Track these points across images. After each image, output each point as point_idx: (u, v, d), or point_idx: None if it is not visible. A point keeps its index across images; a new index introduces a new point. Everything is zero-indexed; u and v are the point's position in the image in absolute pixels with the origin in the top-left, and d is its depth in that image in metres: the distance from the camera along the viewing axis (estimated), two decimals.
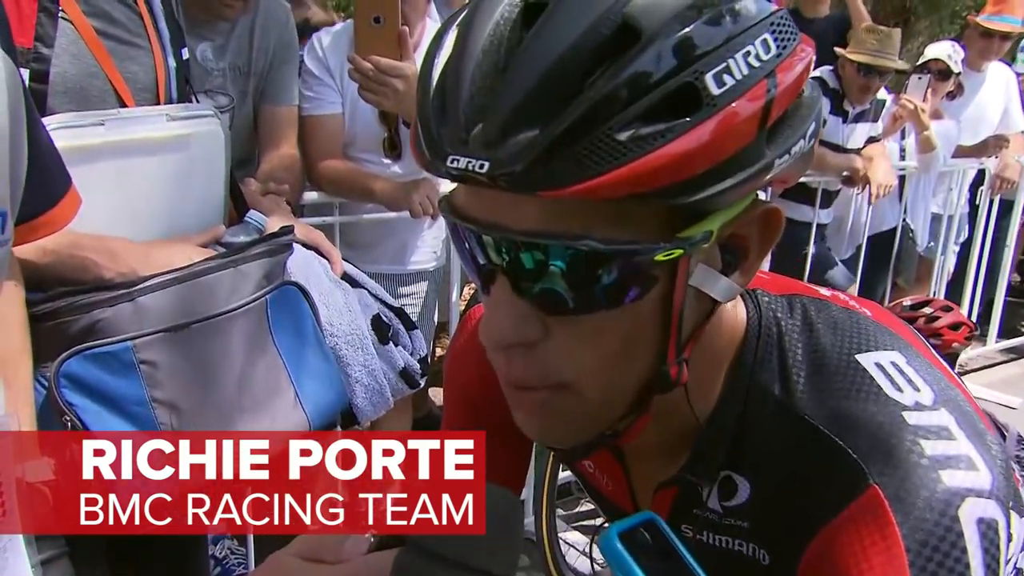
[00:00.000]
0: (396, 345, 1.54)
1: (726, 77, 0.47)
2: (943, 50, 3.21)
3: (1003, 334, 3.98)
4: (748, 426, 0.61)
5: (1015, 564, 0.62)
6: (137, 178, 1.23)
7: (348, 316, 1.45)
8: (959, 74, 3.26)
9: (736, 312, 0.62)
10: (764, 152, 0.49)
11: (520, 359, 0.54)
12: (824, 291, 0.67)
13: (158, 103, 1.30)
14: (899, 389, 0.57)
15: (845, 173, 2.95)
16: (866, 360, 0.59)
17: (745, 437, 0.61)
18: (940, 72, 3.17)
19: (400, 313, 1.59)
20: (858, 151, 2.98)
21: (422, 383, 1.63)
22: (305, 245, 1.46)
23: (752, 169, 0.49)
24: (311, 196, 1.96)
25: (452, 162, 0.48)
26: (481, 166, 0.46)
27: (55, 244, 1.10)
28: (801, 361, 0.60)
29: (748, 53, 0.48)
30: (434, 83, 0.51)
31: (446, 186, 1.65)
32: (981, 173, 3.53)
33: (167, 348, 1.15)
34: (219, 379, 1.20)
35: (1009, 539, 0.53)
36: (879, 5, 4.80)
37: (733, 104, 0.47)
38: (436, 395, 3.02)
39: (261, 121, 1.87)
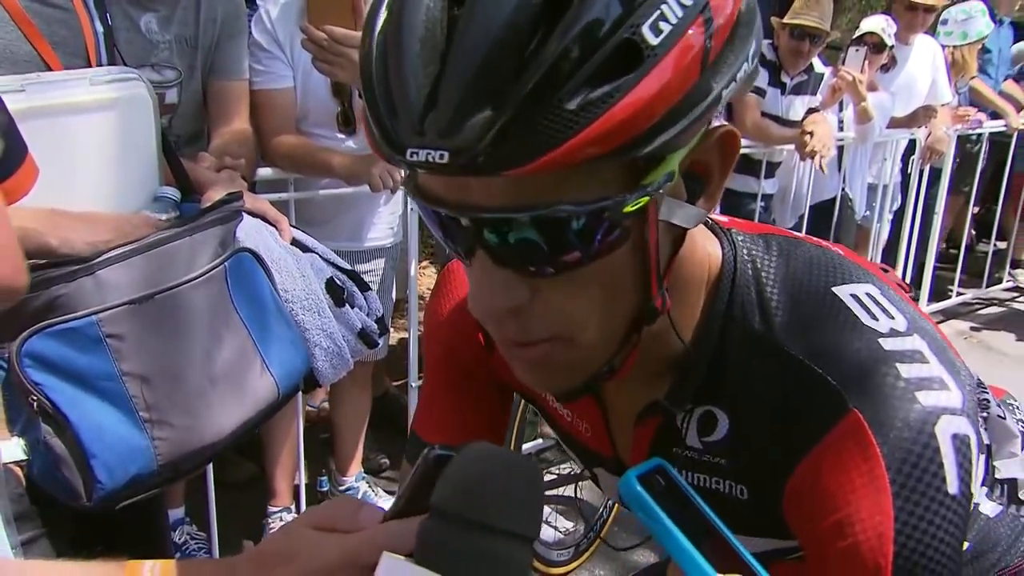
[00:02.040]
0: (352, 307, 1.54)
1: (662, 24, 0.47)
2: (877, 23, 3.32)
3: (933, 297, 4.17)
4: (727, 359, 0.63)
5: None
6: (64, 145, 1.19)
7: (302, 281, 1.44)
8: (892, 47, 3.37)
9: (708, 242, 0.64)
10: (711, 86, 0.50)
11: (512, 321, 0.55)
12: (796, 233, 0.70)
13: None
14: (874, 318, 0.60)
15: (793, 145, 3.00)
16: (842, 292, 0.61)
17: (725, 370, 0.63)
18: (875, 45, 3.27)
19: (353, 275, 1.58)
20: (799, 123, 3.06)
21: (380, 342, 1.63)
22: (252, 214, 1.44)
23: (702, 106, 0.49)
24: (265, 172, 1.92)
25: (411, 155, 0.47)
26: (441, 156, 0.47)
27: None
28: (779, 294, 0.62)
29: None
30: (375, 71, 0.50)
31: None
32: (912, 143, 3.67)
33: (132, 320, 1.12)
34: (186, 348, 1.18)
35: (979, 455, 0.57)
36: None
37: (673, 49, 0.47)
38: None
39: (211, 96, 1.82)
